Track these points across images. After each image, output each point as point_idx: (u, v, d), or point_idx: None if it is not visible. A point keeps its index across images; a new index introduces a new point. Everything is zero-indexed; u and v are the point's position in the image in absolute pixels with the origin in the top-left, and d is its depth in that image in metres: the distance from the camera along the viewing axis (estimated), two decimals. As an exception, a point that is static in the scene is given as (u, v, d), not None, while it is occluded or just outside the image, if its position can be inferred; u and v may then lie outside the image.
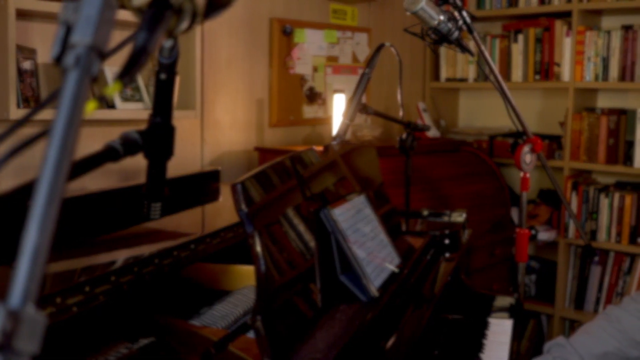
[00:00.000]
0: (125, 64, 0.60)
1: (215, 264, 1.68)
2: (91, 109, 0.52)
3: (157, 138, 0.81)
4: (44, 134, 0.52)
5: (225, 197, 2.11)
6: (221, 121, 2.86)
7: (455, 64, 4.02)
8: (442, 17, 2.17)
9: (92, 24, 0.51)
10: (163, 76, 0.82)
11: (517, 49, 3.79)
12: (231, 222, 1.67)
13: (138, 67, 0.59)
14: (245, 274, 1.63)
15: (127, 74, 0.59)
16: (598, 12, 3.62)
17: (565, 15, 3.60)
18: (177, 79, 0.83)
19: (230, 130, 2.90)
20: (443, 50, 4.00)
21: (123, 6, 0.66)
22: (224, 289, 1.63)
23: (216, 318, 1.46)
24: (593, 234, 3.56)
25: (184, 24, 0.65)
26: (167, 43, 0.80)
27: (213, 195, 2.14)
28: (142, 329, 1.35)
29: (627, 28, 3.43)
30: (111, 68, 2.30)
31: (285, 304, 1.25)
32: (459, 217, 2.23)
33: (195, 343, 1.33)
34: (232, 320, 1.46)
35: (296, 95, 3.17)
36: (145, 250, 1.43)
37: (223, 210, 2.02)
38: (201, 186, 2.13)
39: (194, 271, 1.66)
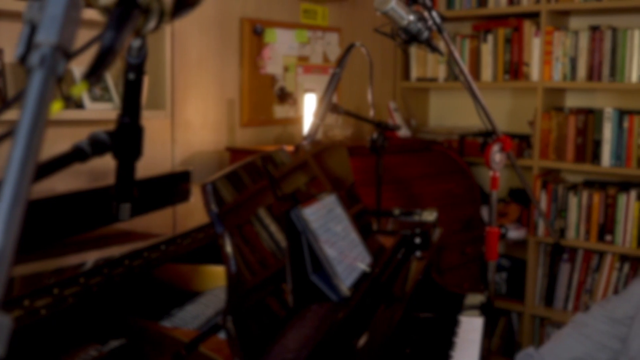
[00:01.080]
0: (92, 63, 0.59)
1: (187, 264, 1.67)
2: (57, 109, 0.51)
3: (125, 138, 0.81)
4: (8, 134, 0.51)
5: (196, 197, 2.10)
6: (192, 121, 2.84)
7: (426, 64, 4.04)
8: (412, 17, 2.18)
9: (57, 23, 0.51)
10: (131, 76, 0.81)
11: (486, 49, 3.82)
12: (202, 222, 1.67)
13: (105, 66, 0.59)
14: (216, 275, 1.63)
15: (93, 74, 0.58)
16: (566, 13, 3.67)
17: (533, 16, 3.64)
18: (146, 79, 0.83)
19: (201, 130, 2.89)
20: (413, 50, 4.02)
21: (90, 5, 0.65)
22: (196, 289, 1.62)
23: (187, 319, 1.45)
24: (562, 232, 3.60)
25: (152, 23, 0.64)
26: (135, 42, 0.79)
27: (184, 196, 2.13)
28: (112, 330, 1.34)
29: (594, 29, 3.47)
30: (79, 68, 2.28)
31: (256, 304, 1.25)
32: (429, 216, 2.24)
33: (166, 344, 1.32)
34: (204, 321, 1.46)
35: (267, 95, 3.16)
36: (116, 251, 1.42)
37: (194, 211, 2.01)
38: (172, 187, 2.12)
39: (165, 272, 1.65)
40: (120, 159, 0.84)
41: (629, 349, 1.65)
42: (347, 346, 1.36)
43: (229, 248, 1.18)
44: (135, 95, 0.82)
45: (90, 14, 2.09)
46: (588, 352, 1.79)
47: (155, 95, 2.49)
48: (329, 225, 1.56)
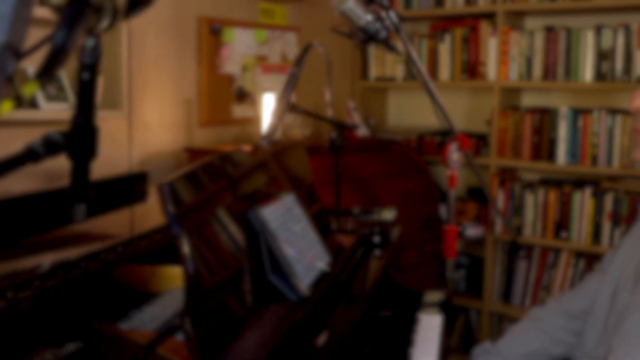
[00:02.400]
0: (44, 63, 0.58)
1: (145, 265, 1.65)
2: (6, 109, 0.51)
3: (80, 139, 0.80)
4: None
5: (154, 198, 2.08)
6: (150, 121, 2.82)
7: (384, 64, 4.07)
8: (369, 17, 2.19)
9: (7, 22, 0.50)
10: (85, 76, 0.80)
11: (444, 49, 3.85)
12: (160, 223, 1.65)
13: (57, 66, 0.58)
14: (175, 276, 1.61)
15: (45, 74, 0.57)
16: (521, 14, 3.71)
17: (490, 16, 3.68)
18: (101, 79, 0.82)
19: (158, 130, 2.87)
20: (372, 49, 4.04)
21: (42, 3, 0.64)
22: (154, 290, 1.61)
23: (145, 321, 1.44)
24: (519, 230, 3.65)
25: (105, 22, 0.64)
26: (89, 42, 0.78)
27: (141, 197, 2.11)
28: (69, 334, 1.32)
29: (549, 29, 3.53)
30: (33, 67, 2.25)
31: (215, 305, 1.24)
32: (388, 215, 2.25)
33: (123, 347, 1.31)
34: (162, 323, 1.44)
35: (225, 95, 3.15)
36: (72, 253, 1.40)
37: (152, 212, 1.99)
38: (129, 187, 2.10)
39: (123, 273, 1.63)
40: (74, 159, 0.83)
41: (584, 343, 1.68)
42: (306, 346, 1.36)
43: (186, 249, 1.18)
44: (89, 95, 0.81)
45: (42, 12, 2.07)
46: (544, 347, 1.82)
47: (111, 95, 2.46)
48: (288, 224, 1.55)
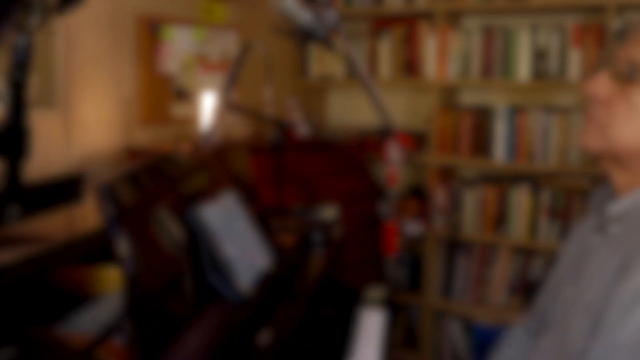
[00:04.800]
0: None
1: (84, 267, 1.62)
2: None
3: (11, 138, 0.78)
4: None
5: (92, 199, 2.05)
6: (88, 121, 2.77)
7: (325, 62, 4.07)
8: (309, 15, 2.19)
9: None
10: (17, 74, 0.78)
11: (383, 48, 3.88)
12: (98, 224, 1.63)
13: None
14: (114, 277, 1.59)
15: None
16: (459, 13, 3.77)
17: (429, 15, 3.72)
18: (33, 77, 0.80)
19: (97, 130, 2.82)
20: (313, 47, 4.04)
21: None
22: (93, 292, 1.58)
23: (84, 323, 1.41)
24: (458, 226, 3.70)
25: (35, 19, 0.62)
26: (21, 40, 0.76)
27: (79, 197, 2.07)
28: (3, 339, 1.29)
29: (486, 29, 3.59)
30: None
31: (155, 307, 1.23)
32: (330, 213, 2.26)
33: (61, 351, 1.28)
34: (101, 325, 1.42)
35: (165, 94, 3.11)
36: (5, 256, 1.36)
37: (91, 213, 1.96)
38: (66, 188, 2.06)
39: (61, 276, 1.60)
40: (6, 159, 0.81)
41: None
42: (247, 346, 1.35)
43: (124, 250, 1.16)
44: (21, 94, 0.79)
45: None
46: None
47: (48, 94, 2.41)
48: (229, 224, 1.55)
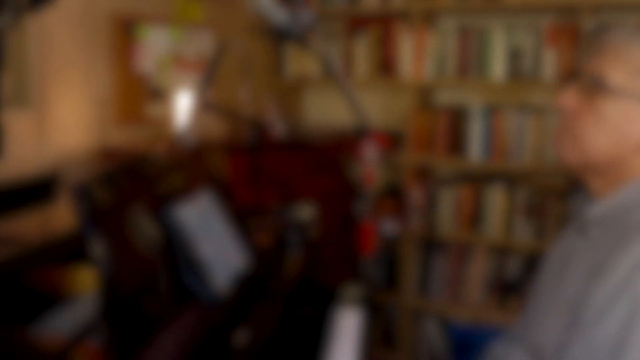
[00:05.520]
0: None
1: (59, 268, 1.61)
2: None
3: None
4: None
5: (67, 199, 2.03)
6: (62, 121, 2.74)
7: (301, 62, 4.07)
8: (284, 15, 2.19)
9: None
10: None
11: (359, 48, 3.88)
12: (73, 225, 1.61)
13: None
14: (89, 278, 1.58)
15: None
16: (435, 13, 3.78)
17: (405, 15, 3.73)
18: (5, 77, 0.79)
19: (72, 130, 2.79)
20: (289, 47, 4.04)
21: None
22: (67, 293, 1.57)
23: (58, 324, 1.40)
24: (435, 225, 3.72)
25: (7, 18, 0.61)
26: (-8, 38, 0.75)
27: (53, 198, 2.05)
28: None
29: (462, 28, 3.60)
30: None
31: (130, 307, 1.22)
32: (307, 212, 2.26)
33: (37, 351, 1.27)
34: (76, 326, 1.41)
35: (140, 93, 3.09)
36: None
37: (65, 214, 1.94)
38: (40, 188, 2.04)
39: (34, 276, 1.58)
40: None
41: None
42: (223, 346, 1.35)
43: (99, 251, 1.15)
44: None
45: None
46: None
47: (21, 93, 2.38)
48: (205, 224, 1.54)
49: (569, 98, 1.45)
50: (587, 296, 1.32)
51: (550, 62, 3.40)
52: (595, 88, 1.40)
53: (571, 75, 1.49)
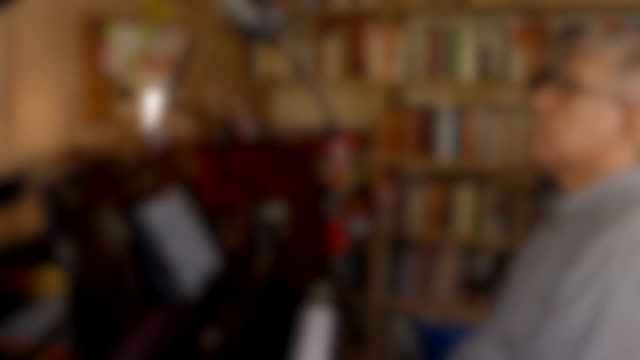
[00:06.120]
0: None
1: (23, 269, 1.59)
2: None
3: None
4: None
5: (34, 200, 2.01)
6: (29, 121, 2.71)
7: (271, 61, 4.06)
8: (254, 14, 2.19)
9: None
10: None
11: (329, 47, 3.89)
12: (40, 226, 1.60)
13: None
14: (55, 280, 1.56)
15: None
16: (405, 13, 3.80)
17: (374, 15, 3.74)
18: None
19: (39, 130, 2.76)
20: (259, 47, 4.03)
21: None
22: (33, 295, 1.55)
23: (24, 327, 1.39)
24: (404, 225, 3.73)
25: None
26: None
27: (19, 199, 2.03)
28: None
29: (431, 29, 3.63)
30: None
31: (97, 309, 1.21)
32: (277, 212, 2.25)
33: (1, 355, 1.26)
34: (42, 329, 1.39)
35: (109, 93, 3.06)
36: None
37: (31, 215, 1.92)
38: (6, 189, 2.01)
39: (1, 279, 1.56)
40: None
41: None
42: (192, 347, 1.35)
43: (66, 252, 1.14)
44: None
45: None
46: None
47: (-14, 93, 2.35)
48: (173, 224, 1.53)
49: (545, 99, 1.49)
50: (559, 283, 1.35)
51: (518, 63, 3.43)
52: (570, 88, 1.45)
53: (542, 76, 1.53)
